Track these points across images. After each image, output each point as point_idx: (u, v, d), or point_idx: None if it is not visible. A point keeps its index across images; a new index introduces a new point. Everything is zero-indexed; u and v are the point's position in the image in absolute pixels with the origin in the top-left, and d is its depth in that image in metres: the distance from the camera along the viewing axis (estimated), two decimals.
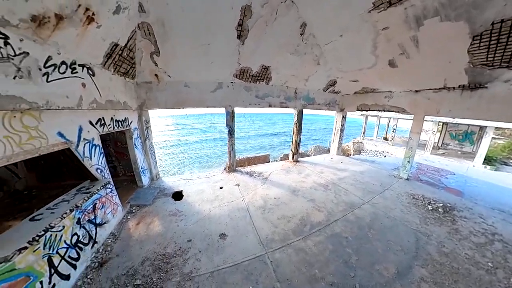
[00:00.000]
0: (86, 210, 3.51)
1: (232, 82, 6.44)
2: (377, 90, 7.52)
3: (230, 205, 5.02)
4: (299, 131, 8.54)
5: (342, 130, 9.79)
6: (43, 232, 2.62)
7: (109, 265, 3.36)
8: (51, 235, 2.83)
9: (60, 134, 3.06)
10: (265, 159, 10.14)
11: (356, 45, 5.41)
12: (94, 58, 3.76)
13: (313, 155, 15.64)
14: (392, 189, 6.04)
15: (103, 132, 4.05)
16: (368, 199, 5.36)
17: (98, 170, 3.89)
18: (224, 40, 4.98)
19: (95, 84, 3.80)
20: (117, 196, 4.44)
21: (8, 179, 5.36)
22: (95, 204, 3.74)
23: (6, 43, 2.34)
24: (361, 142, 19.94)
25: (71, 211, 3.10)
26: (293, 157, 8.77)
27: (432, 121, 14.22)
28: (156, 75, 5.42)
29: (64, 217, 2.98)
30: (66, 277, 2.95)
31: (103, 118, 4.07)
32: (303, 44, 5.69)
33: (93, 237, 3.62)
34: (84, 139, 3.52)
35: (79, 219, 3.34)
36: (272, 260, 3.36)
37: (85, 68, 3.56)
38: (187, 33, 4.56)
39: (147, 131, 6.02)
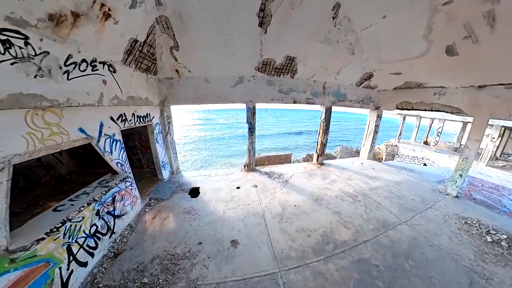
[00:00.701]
0: (106, 203, 3.68)
1: (253, 76, 6.07)
2: (424, 85, 6.28)
3: (245, 209, 4.81)
4: (326, 130, 7.77)
5: (376, 132, 8.61)
6: (60, 224, 2.75)
7: (122, 257, 3.48)
8: (70, 225, 2.99)
9: (81, 130, 3.17)
10: (286, 159, 9.67)
11: (403, 29, 4.43)
12: (115, 55, 3.80)
13: (339, 157, 14.44)
14: (437, 208, 4.99)
15: (124, 127, 4.16)
16: (406, 218, 4.51)
17: (119, 164, 4.03)
18: (245, 29, 4.58)
19: (116, 81, 3.87)
20: (136, 189, 4.61)
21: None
22: (115, 197, 3.90)
23: (26, 43, 2.39)
24: (395, 146, 17.68)
25: (89, 204, 3.24)
26: (317, 159, 8.11)
27: (492, 124, 11.63)
28: (176, 70, 5.39)
29: (82, 210, 3.12)
30: (84, 264, 3.13)
31: (124, 114, 4.16)
32: (335, 30, 4.92)
33: (111, 227, 3.79)
34: (105, 134, 3.63)
35: (98, 210, 3.50)
36: (286, 281, 2.99)
37: (106, 66, 3.62)
38: (205, 23, 4.31)
39: (169, 126, 6.14)
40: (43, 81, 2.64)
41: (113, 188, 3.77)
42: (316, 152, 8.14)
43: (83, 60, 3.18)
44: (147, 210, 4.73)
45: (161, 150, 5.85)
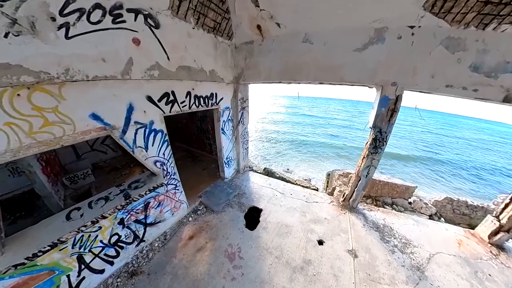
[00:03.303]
0: (134, 210, 2.87)
1: (411, 27, 2.69)
2: None
3: None
4: None
5: None
6: (60, 241, 2.12)
7: (136, 281, 2.77)
8: (82, 235, 2.36)
9: (95, 117, 2.17)
10: (405, 194, 5.44)
11: None
12: (157, 0, 2.39)
13: None
14: None
15: (170, 112, 2.98)
16: None
17: (158, 164, 3.03)
18: None
19: (159, 41, 2.55)
20: (182, 193, 3.64)
21: None
22: (148, 203, 3.04)
23: None
24: None
25: (103, 217, 2.42)
26: (494, 235, 3.30)
27: None
28: (258, 27, 3.35)
29: (99, 220, 2.37)
30: (99, 271, 2.66)
31: (172, 92, 2.92)
32: None
33: (140, 236, 3.09)
34: (136, 122, 2.56)
35: (122, 219, 2.75)
36: None
37: (140, 16, 2.30)
38: None
39: (242, 113, 4.56)
40: (21, 42, 1.65)
41: (146, 195, 2.86)
42: (497, 218, 3.40)
43: (97, 6, 1.96)
44: (190, 219, 3.74)
45: (227, 143, 4.52)
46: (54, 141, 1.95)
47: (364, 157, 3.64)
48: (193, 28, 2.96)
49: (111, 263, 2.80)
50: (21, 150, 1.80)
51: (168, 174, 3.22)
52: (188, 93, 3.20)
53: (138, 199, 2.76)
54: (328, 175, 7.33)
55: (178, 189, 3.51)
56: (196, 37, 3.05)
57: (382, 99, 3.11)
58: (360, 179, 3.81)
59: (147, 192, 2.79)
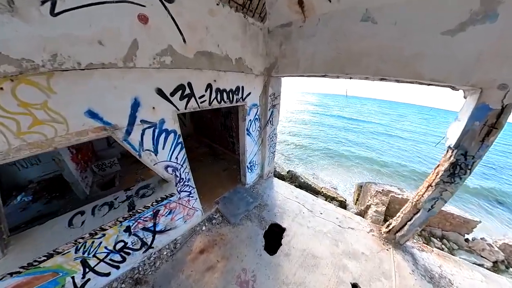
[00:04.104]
0: (142, 218, 2.58)
1: None
2: None
3: None
4: None
5: None
6: (56, 252, 1.94)
7: None
8: (85, 242, 2.15)
9: (92, 114, 1.81)
10: (460, 227, 4.07)
11: None
12: None
13: None
14: None
15: (185, 109, 2.51)
16: None
17: (169, 169, 2.64)
18: None
19: (172, 19, 2.04)
20: (197, 200, 3.25)
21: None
22: (158, 211, 2.71)
23: None
24: None
25: (109, 227, 2.16)
26: None
27: None
28: (300, 2, 2.54)
29: (97, 233, 2.13)
30: (105, 274, 2.51)
31: (188, 84, 2.43)
32: None
33: (148, 243, 2.85)
34: (142, 121, 2.15)
35: (128, 227, 2.47)
36: None
37: None
38: None
39: (272, 112, 3.88)
40: None
41: (155, 205, 2.52)
42: None
43: None
44: (203, 228, 3.36)
45: (252, 146, 3.93)
46: (46, 143, 1.65)
47: (430, 185, 2.66)
48: (217, 4, 2.36)
49: (117, 267, 2.63)
50: (10, 152, 1.55)
51: (181, 180, 2.83)
52: (209, 86, 2.67)
53: (143, 211, 2.42)
54: (360, 187, 6.23)
55: (192, 196, 3.13)
56: (221, 16, 2.44)
57: (478, 108, 2.09)
58: (419, 212, 2.85)
59: (154, 203, 2.43)
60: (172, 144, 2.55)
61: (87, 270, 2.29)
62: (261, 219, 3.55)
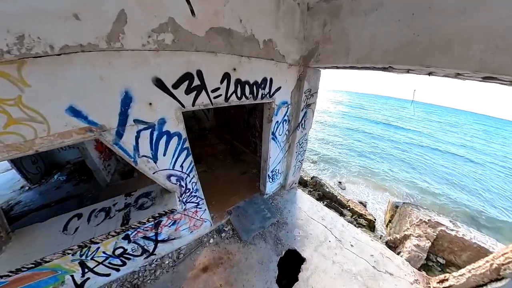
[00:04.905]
0: (142, 228, 2.25)
1: None
2: None
3: None
4: None
5: None
6: (44, 261, 1.74)
7: None
8: (79, 249, 1.94)
9: (75, 112, 1.42)
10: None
11: None
12: None
13: None
14: None
15: (193, 105, 1.98)
16: None
17: (172, 178, 2.19)
18: None
19: None
20: (205, 211, 2.81)
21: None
22: (160, 221, 2.34)
23: None
24: None
25: (100, 241, 1.92)
26: None
27: None
28: None
29: (86, 245, 1.91)
30: (105, 275, 2.40)
31: (198, 73, 1.87)
32: None
33: (150, 251, 2.62)
34: (136, 121, 1.70)
35: (127, 235, 2.20)
36: None
37: None
38: None
39: (306, 112, 3.08)
40: None
41: (149, 222, 2.15)
42: None
43: None
44: (211, 241, 2.95)
45: (276, 153, 3.25)
46: (25, 145, 1.36)
47: None
48: None
49: (117, 270, 2.45)
50: None
51: (187, 191, 2.40)
52: (226, 76, 2.06)
53: (137, 226, 2.04)
54: (396, 207, 5.00)
55: (200, 208, 2.69)
56: None
57: None
58: (502, 281, 1.83)
59: (150, 219, 2.03)
60: (176, 150, 2.08)
61: (86, 270, 2.15)
62: (278, 241, 2.96)
